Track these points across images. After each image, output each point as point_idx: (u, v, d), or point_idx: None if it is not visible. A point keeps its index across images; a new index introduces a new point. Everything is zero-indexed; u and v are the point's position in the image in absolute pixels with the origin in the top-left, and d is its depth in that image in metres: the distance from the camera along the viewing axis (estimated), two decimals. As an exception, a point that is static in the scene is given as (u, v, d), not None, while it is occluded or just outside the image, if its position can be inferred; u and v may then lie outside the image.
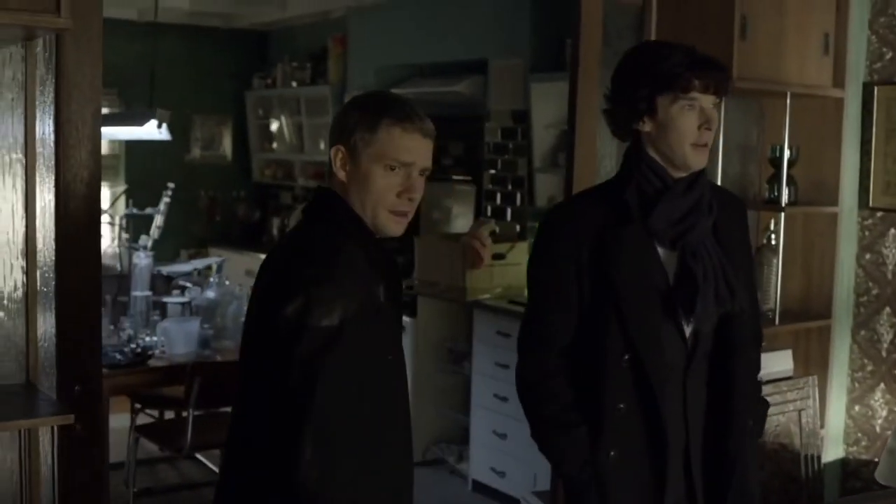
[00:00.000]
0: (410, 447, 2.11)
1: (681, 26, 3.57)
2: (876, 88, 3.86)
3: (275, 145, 8.41)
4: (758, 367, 2.50)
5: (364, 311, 1.91)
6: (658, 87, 2.22)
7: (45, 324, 2.56)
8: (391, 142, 1.97)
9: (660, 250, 2.29)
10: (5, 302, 2.53)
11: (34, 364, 2.53)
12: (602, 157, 3.76)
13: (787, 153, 3.73)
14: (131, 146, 7.87)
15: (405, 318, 5.79)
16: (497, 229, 5.69)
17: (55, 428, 2.42)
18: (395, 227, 2.02)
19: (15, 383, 2.51)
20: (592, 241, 2.26)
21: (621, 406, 2.25)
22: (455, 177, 6.75)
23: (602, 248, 2.25)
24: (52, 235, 2.54)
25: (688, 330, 2.30)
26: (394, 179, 1.98)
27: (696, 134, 2.23)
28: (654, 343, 2.25)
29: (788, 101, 3.69)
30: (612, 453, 2.27)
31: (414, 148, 1.99)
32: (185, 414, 4.52)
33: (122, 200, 6.24)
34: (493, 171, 5.97)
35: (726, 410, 2.33)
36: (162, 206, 5.47)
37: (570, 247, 2.28)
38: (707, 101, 2.23)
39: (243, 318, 2.15)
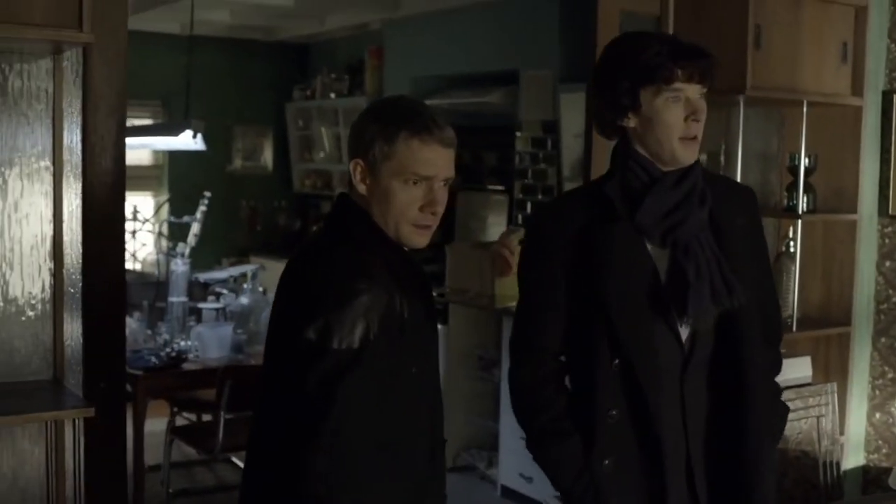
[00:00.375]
0: (437, 456, 2.08)
1: (697, 36, 3.59)
2: (895, 97, 3.89)
3: (316, 155, 8.56)
4: (775, 368, 2.36)
5: (385, 328, 1.89)
6: (640, 80, 2.08)
7: (72, 323, 2.69)
8: (410, 155, 1.92)
9: (649, 247, 2.16)
10: (34, 302, 2.66)
11: (61, 361, 2.65)
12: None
13: (804, 161, 3.76)
14: (174, 157, 8.07)
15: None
16: (527, 238, 5.77)
17: (80, 422, 2.53)
18: (418, 240, 1.98)
19: (43, 379, 2.64)
20: (577, 240, 2.15)
21: (613, 413, 2.14)
22: (490, 186, 6.85)
23: (588, 247, 2.14)
24: (79, 239, 2.67)
25: (684, 332, 2.16)
26: (415, 193, 1.94)
27: (684, 127, 2.10)
28: (645, 346, 2.13)
29: (805, 109, 3.72)
30: (606, 462, 2.15)
31: (434, 160, 1.94)
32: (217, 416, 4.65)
33: (165, 210, 6.41)
34: (523, 181, 6.05)
35: (736, 416, 2.18)
36: (199, 215, 5.61)
37: (554, 246, 2.17)
38: (692, 91, 2.09)
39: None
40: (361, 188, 1.97)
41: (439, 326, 5.84)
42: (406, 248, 2.02)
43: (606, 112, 2.17)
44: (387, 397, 1.92)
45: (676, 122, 2.10)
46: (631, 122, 2.14)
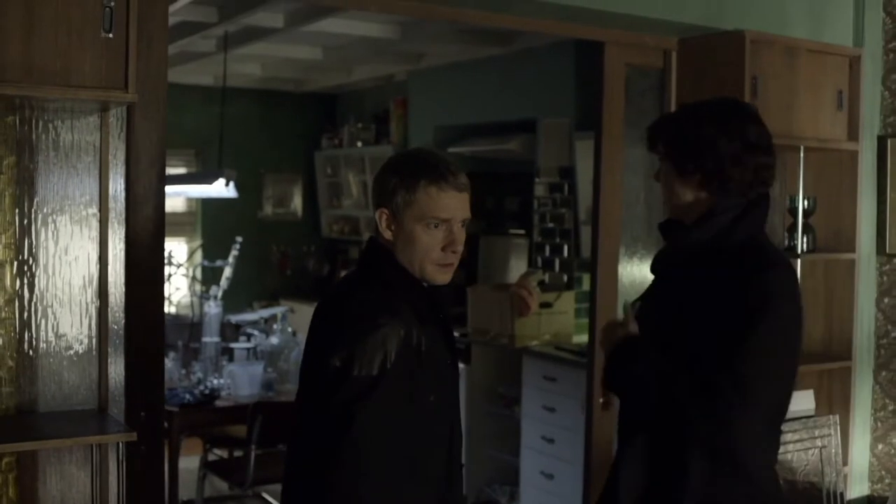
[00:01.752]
0: (455, 480, 2.25)
1: (699, 86, 3.85)
2: (889, 141, 4.09)
3: (344, 201, 8.79)
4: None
5: (403, 359, 2.08)
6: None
7: (116, 358, 2.91)
8: (430, 202, 2.12)
9: None
10: (81, 338, 2.89)
11: (105, 393, 2.87)
12: (632, 205, 4.03)
13: (801, 203, 3.97)
14: (207, 204, 8.32)
15: (459, 365, 6.07)
16: (546, 279, 5.97)
17: (122, 447, 2.75)
18: (442, 277, 2.18)
19: (89, 408, 2.86)
20: None
21: None
22: (511, 231, 7.06)
23: None
24: (122, 280, 2.90)
25: None
26: (437, 235, 2.14)
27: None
28: None
29: (802, 154, 3.94)
30: None
31: (451, 205, 2.14)
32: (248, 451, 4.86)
33: (199, 255, 6.67)
34: (542, 224, 6.26)
35: None
36: (231, 259, 5.86)
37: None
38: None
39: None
40: (388, 234, 2.19)
41: (462, 365, 6.07)
42: (428, 287, 2.21)
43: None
44: (407, 422, 2.11)
45: None
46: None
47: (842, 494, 4.05)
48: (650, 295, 2.51)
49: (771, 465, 2.39)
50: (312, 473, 2.12)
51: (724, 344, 2.20)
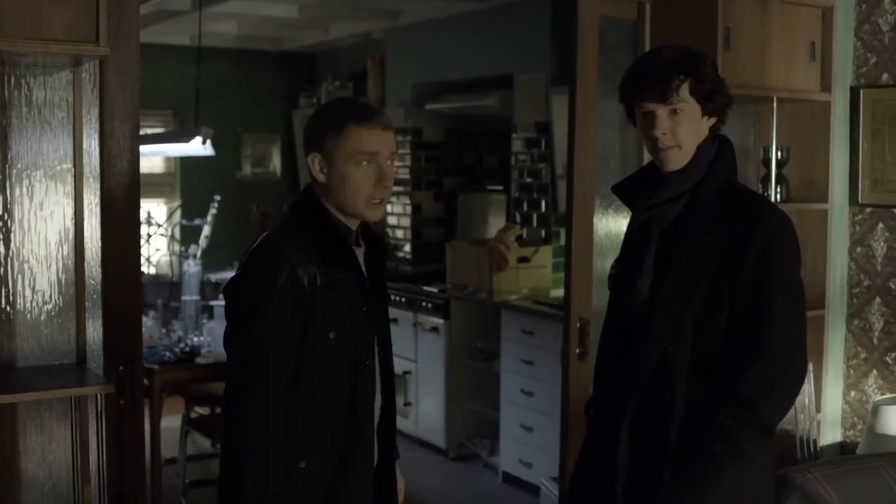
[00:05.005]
0: (362, 423, 2.32)
1: (672, 38, 3.84)
2: (862, 91, 4.11)
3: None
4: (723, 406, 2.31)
5: (291, 292, 2.20)
6: None
7: (94, 313, 2.94)
8: (358, 139, 2.27)
9: None
10: (60, 293, 2.91)
11: (83, 347, 2.90)
12: (607, 159, 4.04)
13: (775, 154, 4.00)
14: (185, 165, 8.30)
15: (438, 320, 6.13)
16: (523, 234, 6.00)
17: (101, 399, 2.78)
18: (374, 213, 2.33)
19: (68, 362, 2.89)
20: None
21: None
22: (489, 187, 7.09)
23: None
24: (98, 234, 2.92)
25: None
26: (368, 172, 2.29)
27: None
28: None
29: (775, 105, 3.97)
30: None
31: (378, 140, 2.29)
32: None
33: (178, 215, 6.67)
34: (519, 180, 6.29)
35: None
36: (209, 218, 5.86)
37: None
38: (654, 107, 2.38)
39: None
40: (321, 177, 2.32)
41: (440, 321, 6.12)
42: (351, 232, 2.36)
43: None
44: (306, 358, 2.24)
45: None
46: None
47: (815, 441, 4.12)
48: (636, 259, 2.44)
49: None
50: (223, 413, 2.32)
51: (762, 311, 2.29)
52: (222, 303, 5.56)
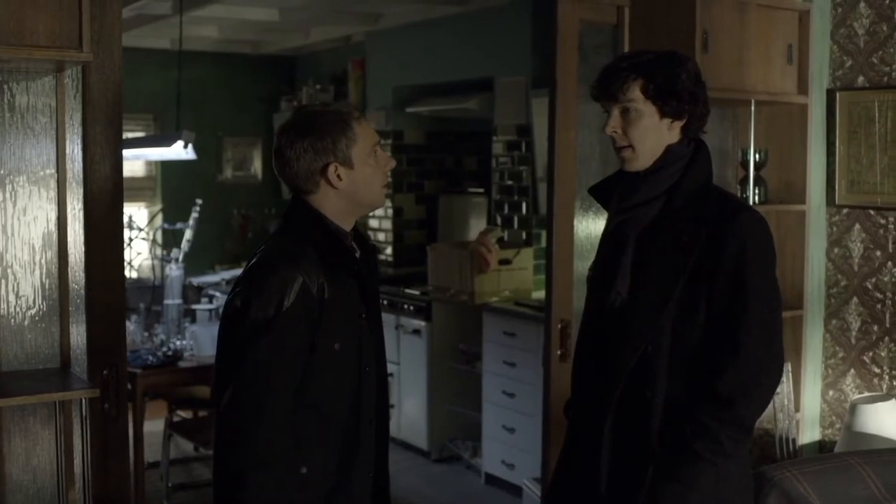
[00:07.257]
0: (364, 430, 2.33)
1: (651, 41, 3.89)
2: (838, 94, 4.16)
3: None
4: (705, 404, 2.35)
5: (302, 304, 2.19)
6: None
7: (77, 317, 2.94)
8: (366, 132, 2.32)
9: None
10: (43, 298, 2.92)
11: (67, 352, 2.91)
12: (588, 161, 4.08)
13: (753, 156, 4.05)
14: (167, 169, 8.29)
15: (420, 323, 6.15)
16: (504, 236, 6.04)
17: (85, 405, 2.79)
18: (385, 199, 2.43)
19: (52, 367, 2.90)
20: None
21: None
22: (470, 189, 7.12)
23: None
24: (82, 239, 2.93)
25: None
26: (380, 161, 2.35)
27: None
28: None
29: (753, 107, 4.01)
30: None
31: (372, 129, 2.36)
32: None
33: (159, 219, 6.67)
34: (500, 183, 6.31)
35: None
36: (191, 221, 5.87)
37: None
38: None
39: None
40: (340, 185, 2.29)
41: (422, 323, 6.13)
42: (350, 241, 2.36)
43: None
44: (306, 366, 2.23)
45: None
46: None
47: (794, 440, 4.16)
48: (614, 261, 2.47)
49: None
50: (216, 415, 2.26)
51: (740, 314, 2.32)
52: (205, 306, 5.63)
